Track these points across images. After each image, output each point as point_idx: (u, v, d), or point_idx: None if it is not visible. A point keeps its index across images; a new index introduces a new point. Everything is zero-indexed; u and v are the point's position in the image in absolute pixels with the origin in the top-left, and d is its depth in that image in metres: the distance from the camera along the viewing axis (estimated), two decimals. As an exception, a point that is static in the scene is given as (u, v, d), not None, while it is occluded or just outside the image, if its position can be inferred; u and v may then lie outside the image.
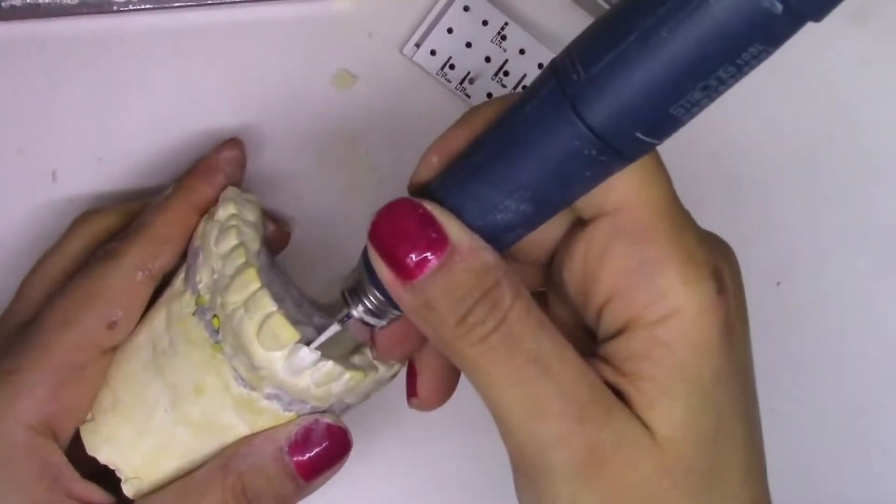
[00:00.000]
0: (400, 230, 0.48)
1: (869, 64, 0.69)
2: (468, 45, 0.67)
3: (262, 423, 0.58)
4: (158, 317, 0.60)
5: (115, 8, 0.66)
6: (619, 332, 0.48)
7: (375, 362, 0.58)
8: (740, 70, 0.42)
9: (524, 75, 0.67)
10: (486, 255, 0.47)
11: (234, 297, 0.56)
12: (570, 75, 0.44)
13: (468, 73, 0.67)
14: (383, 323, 0.53)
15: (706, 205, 0.68)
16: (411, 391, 0.55)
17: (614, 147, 0.45)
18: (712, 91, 0.43)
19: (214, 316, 0.58)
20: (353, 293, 0.52)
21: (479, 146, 0.48)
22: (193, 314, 0.58)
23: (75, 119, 0.68)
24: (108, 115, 0.68)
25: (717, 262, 0.49)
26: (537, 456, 0.47)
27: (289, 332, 0.55)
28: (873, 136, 0.70)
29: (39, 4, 0.66)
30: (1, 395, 0.57)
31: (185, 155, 0.68)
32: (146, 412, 0.59)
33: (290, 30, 0.68)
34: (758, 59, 0.42)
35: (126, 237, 0.60)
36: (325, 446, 0.56)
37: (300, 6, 0.68)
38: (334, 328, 0.54)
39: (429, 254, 0.47)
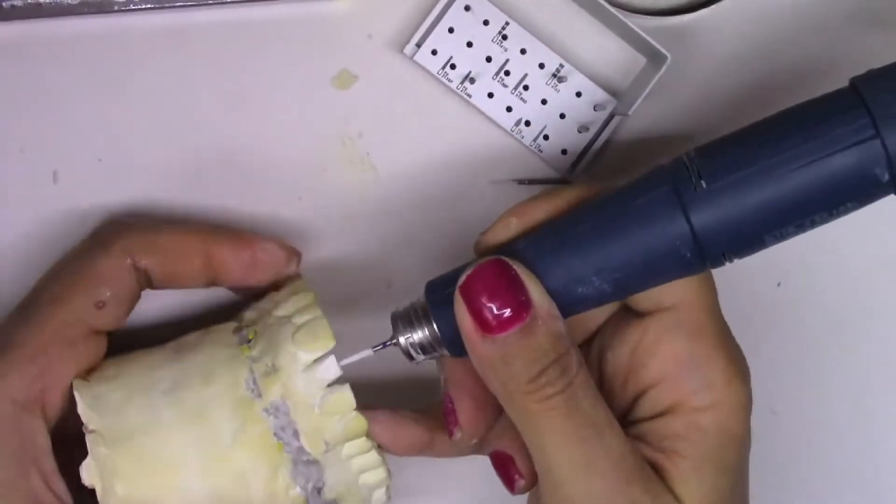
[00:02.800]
0: (491, 287, 0.53)
1: (869, 64, 0.69)
2: (469, 44, 0.67)
3: (245, 437, 0.57)
4: (193, 333, 0.61)
5: (115, 8, 0.66)
6: (661, 414, 0.57)
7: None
8: (830, 217, 0.52)
9: (525, 75, 0.67)
10: (560, 323, 0.54)
11: (284, 311, 0.59)
12: (689, 183, 0.52)
13: (469, 73, 0.67)
14: (423, 358, 0.58)
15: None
16: (452, 422, 0.60)
17: (706, 255, 0.52)
18: (802, 228, 0.52)
19: (252, 331, 0.59)
20: (404, 323, 0.57)
21: (577, 222, 0.54)
22: (232, 332, 0.60)
23: (76, 119, 0.68)
24: (109, 115, 0.68)
25: (748, 370, 0.58)
26: None
27: (328, 336, 0.58)
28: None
29: (40, 4, 0.65)
30: None
31: (186, 155, 0.68)
32: (145, 386, 0.59)
33: (291, 30, 0.68)
34: (845, 212, 0.52)
35: (127, 228, 0.61)
36: None
37: (300, 6, 0.68)
38: (367, 352, 0.59)
39: (511, 313, 0.52)
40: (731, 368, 0.57)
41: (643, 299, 0.58)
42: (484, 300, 0.53)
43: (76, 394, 0.58)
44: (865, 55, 0.69)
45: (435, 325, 0.56)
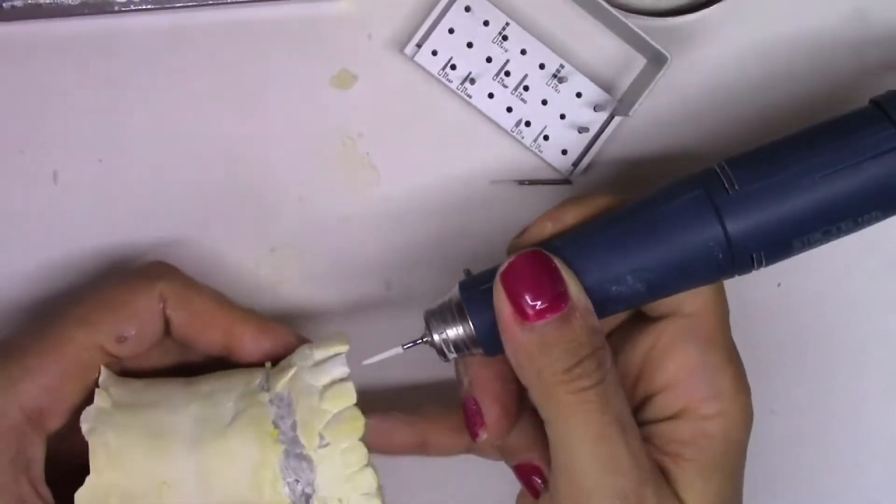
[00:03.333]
0: (531, 277, 0.55)
1: (868, 63, 0.69)
2: (469, 45, 0.67)
3: (244, 419, 0.58)
4: None
5: (115, 8, 0.66)
6: (669, 417, 0.59)
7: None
8: (855, 225, 0.54)
9: (525, 75, 0.67)
10: (595, 319, 0.55)
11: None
12: (721, 187, 0.55)
13: (469, 74, 0.67)
14: (454, 356, 0.58)
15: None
16: (478, 423, 0.60)
17: (737, 257, 0.55)
18: (828, 236, 0.55)
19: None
20: (437, 321, 0.58)
21: (612, 224, 0.56)
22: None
23: (76, 120, 0.68)
24: (108, 115, 0.68)
25: (749, 386, 0.60)
26: None
27: (343, 341, 0.60)
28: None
29: (41, 5, 0.66)
30: (8, 371, 0.57)
31: (186, 155, 0.68)
32: (165, 380, 0.61)
33: (291, 30, 0.68)
34: (870, 222, 0.55)
35: (171, 275, 0.62)
36: None
37: (300, 6, 0.68)
38: (396, 350, 0.59)
39: (550, 303, 0.54)
40: (738, 381, 0.59)
41: (661, 304, 0.59)
42: (524, 289, 0.54)
43: (101, 367, 0.59)
44: (865, 55, 0.69)
45: (471, 323, 0.57)
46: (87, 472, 0.57)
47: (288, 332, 0.62)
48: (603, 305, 0.56)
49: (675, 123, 0.69)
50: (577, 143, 0.67)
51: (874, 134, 0.54)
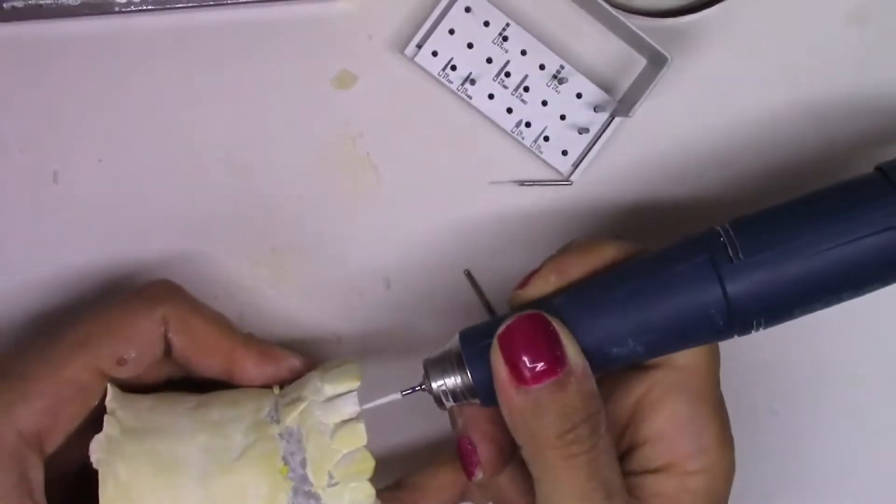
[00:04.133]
0: (529, 340, 0.55)
1: (869, 65, 0.69)
2: (469, 46, 0.67)
3: (253, 453, 0.58)
4: None
5: (116, 9, 0.66)
6: (654, 470, 0.59)
7: None
8: (855, 295, 0.56)
9: (525, 76, 0.67)
10: (593, 383, 0.56)
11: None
12: (726, 254, 0.55)
13: (469, 74, 0.67)
14: (451, 404, 0.59)
15: (708, 205, 0.68)
16: (474, 462, 0.60)
17: (737, 322, 0.55)
18: (828, 304, 0.56)
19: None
20: (436, 370, 0.58)
21: (615, 285, 0.57)
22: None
23: (76, 120, 0.68)
24: (109, 115, 0.68)
25: (733, 438, 0.60)
26: None
27: (355, 377, 0.59)
28: (872, 136, 0.70)
29: (41, 5, 0.66)
30: (4, 395, 0.57)
31: (186, 155, 0.68)
32: (173, 401, 0.61)
33: (291, 30, 0.68)
34: (870, 291, 0.56)
35: (173, 296, 0.62)
36: None
37: (301, 7, 0.68)
38: (394, 396, 0.59)
39: (546, 366, 0.54)
40: (723, 435, 0.60)
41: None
42: (521, 352, 0.55)
43: (108, 386, 0.59)
44: (864, 56, 0.69)
45: (469, 375, 0.57)
46: (85, 491, 0.57)
47: (292, 358, 0.62)
48: (601, 364, 0.57)
49: (675, 124, 0.69)
50: (577, 143, 0.67)
51: (881, 208, 0.54)
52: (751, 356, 0.70)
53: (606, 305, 0.56)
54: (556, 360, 0.54)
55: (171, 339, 0.61)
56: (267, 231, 0.69)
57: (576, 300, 0.57)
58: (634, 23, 0.65)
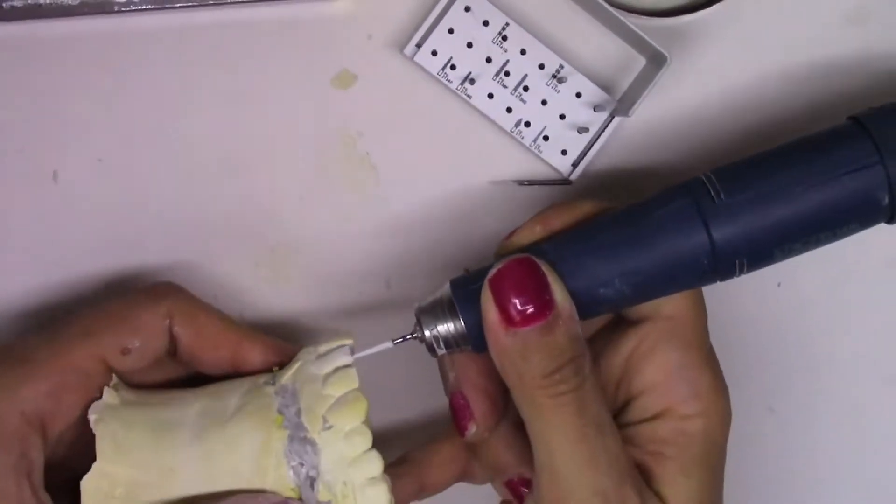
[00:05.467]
0: (518, 283, 0.56)
1: (869, 65, 0.69)
2: (469, 45, 0.67)
3: (249, 408, 0.59)
4: None
5: (115, 8, 0.66)
6: (650, 418, 0.60)
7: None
8: (833, 237, 0.58)
9: (525, 76, 0.67)
10: (578, 327, 0.57)
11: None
12: (708, 196, 0.57)
13: (469, 74, 0.67)
14: (443, 352, 0.60)
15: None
16: (467, 416, 0.61)
17: (721, 263, 0.57)
18: (807, 246, 0.58)
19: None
20: (429, 318, 0.60)
21: (601, 229, 0.59)
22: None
23: (76, 119, 0.68)
24: (108, 115, 0.68)
25: (727, 389, 0.61)
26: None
27: (349, 337, 0.61)
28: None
29: (40, 5, 0.66)
30: (9, 375, 0.58)
31: (186, 155, 0.68)
32: (172, 389, 0.62)
33: (291, 30, 0.68)
34: (847, 234, 0.58)
35: (177, 293, 0.63)
36: None
37: (300, 6, 0.68)
38: (386, 345, 0.61)
39: (535, 310, 0.55)
40: (717, 382, 0.60)
41: (641, 308, 0.61)
42: (511, 294, 0.56)
43: (114, 375, 0.60)
44: (863, 57, 0.69)
45: (461, 320, 0.59)
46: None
47: (296, 349, 0.63)
48: (589, 307, 0.58)
49: (674, 123, 0.69)
50: (576, 143, 0.67)
51: (853, 149, 0.57)
52: (751, 355, 0.70)
53: (593, 247, 0.58)
54: (545, 304, 0.56)
55: (177, 333, 0.61)
56: (266, 231, 0.69)
57: (562, 244, 0.59)
58: (634, 22, 0.65)
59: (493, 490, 0.66)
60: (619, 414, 0.61)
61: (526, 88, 0.67)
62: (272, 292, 0.70)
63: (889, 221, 0.59)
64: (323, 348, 0.61)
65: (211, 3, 0.67)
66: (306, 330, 0.70)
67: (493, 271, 0.57)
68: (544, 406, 0.56)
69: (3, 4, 0.65)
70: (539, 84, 0.67)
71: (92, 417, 0.58)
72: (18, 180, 0.68)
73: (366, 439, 0.58)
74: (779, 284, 0.71)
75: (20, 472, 0.56)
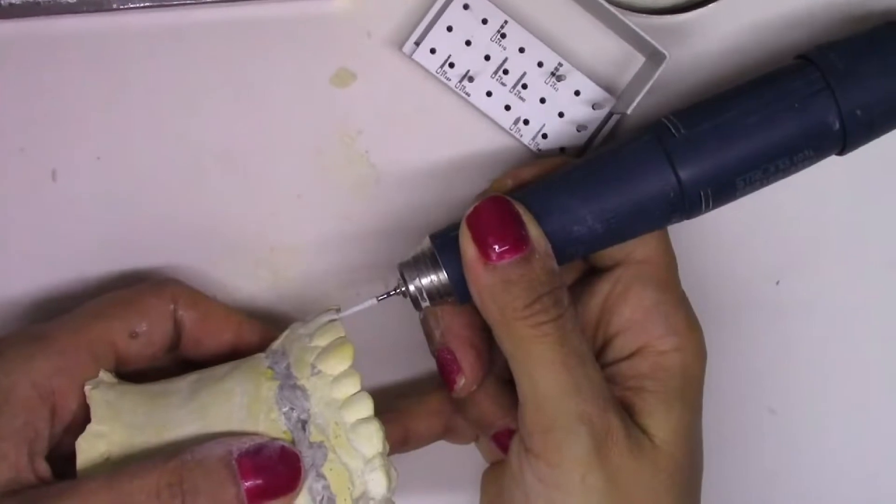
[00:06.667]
0: (495, 220, 0.58)
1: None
2: (468, 43, 0.67)
3: (240, 367, 0.60)
4: None
5: (114, 6, 0.66)
6: (629, 356, 0.61)
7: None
8: (791, 166, 0.60)
9: (524, 73, 0.67)
10: (554, 262, 0.59)
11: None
12: (668, 132, 0.60)
13: (467, 72, 0.67)
14: (428, 305, 0.61)
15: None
16: (455, 370, 0.63)
17: (687, 195, 0.59)
18: (767, 175, 0.60)
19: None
20: (411, 271, 0.61)
21: (572, 171, 0.61)
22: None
23: (75, 118, 0.68)
24: (107, 114, 0.68)
25: (700, 326, 0.63)
26: (563, 431, 0.57)
27: (338, 307, 0.62)
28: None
29: (39, 3, 0.65)
30: (24, 349, 0.59)
31: (185, 154, 0.68)
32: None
33: (289, 28, 0.68)
34: (804, 162, 0.61)
35: (180, 282, 0.65)
36: (274, 465, 0.57)
37: (299, 5, 0.68)
38: (371, 301, 0.63)
39: (511, 245, 0.57)
40: (690, 320, 0.62)
41: (615, 252, 0.63)
42: (487, 230, 0.58)
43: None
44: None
45: (443, 269, 0.60)
46: None
47: None
48: (564, 248, 0.60)
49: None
50: (575, 141, 0.67)
51: (802, 80, 0.60)
52: (750, 356, 0.70)
53: (563, 189, 0.60)
54: (521, 238, 0.58)
55: (181, 317, 0.63)
56: (266, 230, 0.69)
57: (534, 190, 0.61)
58: (632, 20, 0.65)
59: (479, 453, 0.68)
60: (599, 356, 0.63)
61: (525, 86, 0.67)
62: (271, 292, 0.70)
63: (840, 152, 0.62)
64: (310, 316, 0.62)
65: (210, 1, 0.67)
66: (305, 329, 0.70)
67: (469, 210, 0.59)
68: (526, 338, 0.57)
69: (2, 2, 0.65)
70: (538, 82, 0.67)
71: (87, 388, 0.59)
72: (17, 179, 0.68)
73: (354, 381, 0.59)
74: (777, 283, 0.71)
75: (22, 438, 0.56)
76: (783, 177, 0.61)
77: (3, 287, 0.68)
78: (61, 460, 0.58)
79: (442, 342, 0.63)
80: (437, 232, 0.61)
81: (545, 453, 0.58)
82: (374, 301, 0.62)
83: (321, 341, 0.60)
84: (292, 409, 0.58)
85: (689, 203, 0.60)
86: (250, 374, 0.59)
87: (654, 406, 0.60)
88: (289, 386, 0.58)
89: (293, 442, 0.57)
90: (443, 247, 0.60)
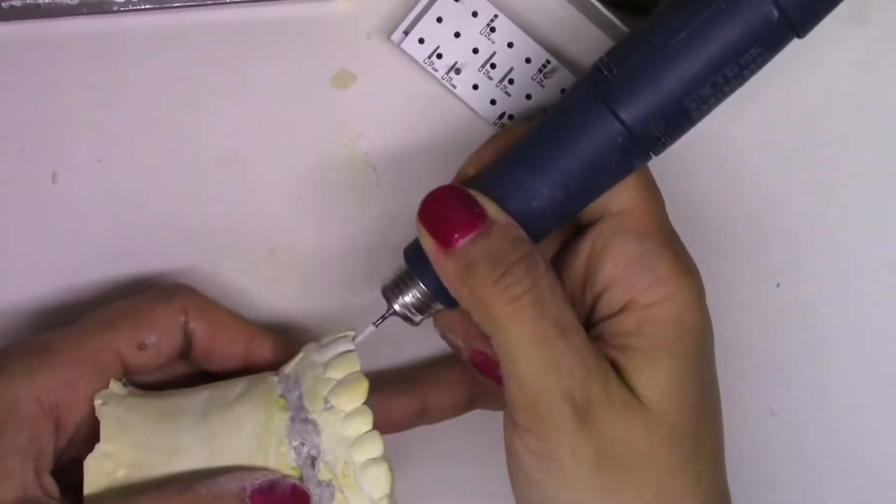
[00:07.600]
0: (444, 208, 0.57)
1: (869, 64, 0.69)
2: (457, 34, 0.66)
3: (252, 393, 0.60)
4: None
5: (115, 8, 0.67)
6: (616, 313, 0.59)
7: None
8: (742, 71, 0.55)
9: (511, 69, 0.67)
10: (520, 230, 0.57)
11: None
12: (601, 75, 0.56)
13: (455, 63, 0.67)
14: (421, 318, 0.61)
15: (708, 204, 0.68)
16: (494, 366, 0.60)
17: (637, 135, 0.55)
18: (719, 89, 0.55)
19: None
20: (394, 291, 0.61)
21: (518, 144, 0.59)
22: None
23: (75, 120, 0.68)
24: (108, 115, 0.69)
25: (695, 266, 0.60)
26: (547, 407, 0.55)
27: (351, 329, 0.62)
28: (873, 136, 0.69)
29: (39, 4, 0.66)
30: (27, 362, 0.59)
31: (185, 156, 0.69)
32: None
33: (290, 30, 0.68)
34: (756, 62, 0.55)
35: (191, 291, 0.65)
36: (286, 503, 0.57)
37: (299, 6, 0.68)
38: (370, 329, 0.62)
39: (467, 224, 0.56)
40: (678, 264, 0.59)
41: (591, 209, 0.60)
42: (439, 219, 0.57)
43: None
44: (864, 55, 0.68)
45: (419, 281, 0.60)
46: None
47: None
48: (533, 225, 0.58)
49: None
50: (559, 138, 0.67)
51: None
52: (751, 356, 0.69)
53: (511, 164, 0.58)
54: (475, 216, 0.56)
55: (192, 328, 0.63)
56: (266, 231, 0.69)
57: (486, 173, 0.60)
58: (624, 19, 0.65)
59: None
60: (591, 314, 0.61)
61: (511, 81, 0.67)
62: (272, 293, 0.70)
63: (799, 35, 0.55)
64: (325, 340, 0.62)
65: (209, 2, 0.67)
66: (306, 330, 0.70)
67: (419, 207, 0.58)
68: (501, 314, 0.55)
69: (2, 4, 0.66)
70: (525, 78, 0.67)
71: (97, 402, 0.59)
72: (17, 181, 0.69)
73: (367, 420, 0.58)
74: (778, 285, 0.70)
75: (27, 454, 0.56)
76: (740, 84, 0.56)
77: (2, 292, 0.68)
78: (63, 470, 0.59)
79: (469, 347, 0.62)
80: (409, 246, 0.61)
81: (534, 428, 0.56)
82: (373, 328, 0.62)
83: (336, 373, 0.59)
84: (303, 444, 0.58)
85: (643, 143, 0.56)
86: (262, 402, 0.59)
87: (640, 364, 0.57)
88: (300, 419, 0.58)
89: (302, 478, 0.58)
90: (413, 257, 0.60)
